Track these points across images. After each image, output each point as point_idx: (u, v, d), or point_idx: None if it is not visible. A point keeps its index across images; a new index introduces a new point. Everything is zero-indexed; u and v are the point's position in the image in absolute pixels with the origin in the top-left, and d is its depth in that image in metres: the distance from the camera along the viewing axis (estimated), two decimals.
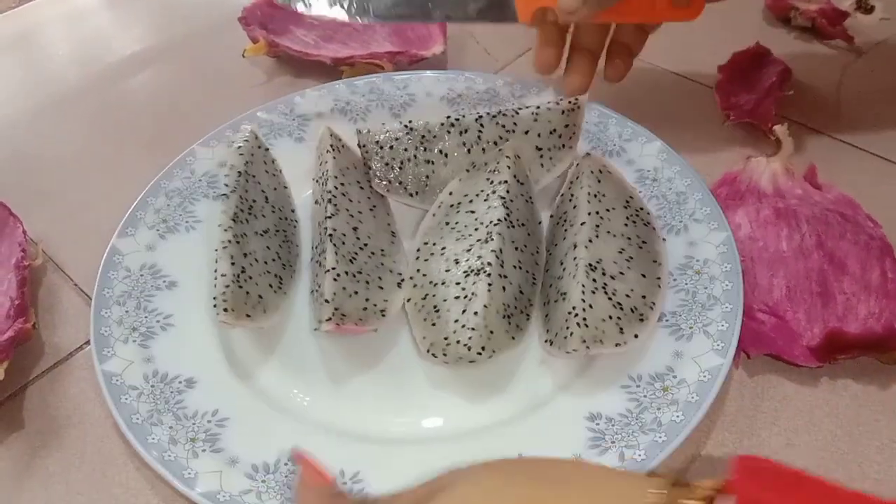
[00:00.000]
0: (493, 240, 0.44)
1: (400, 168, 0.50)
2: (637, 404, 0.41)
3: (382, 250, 0.47)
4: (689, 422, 0.39)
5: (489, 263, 0.43)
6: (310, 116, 0.59)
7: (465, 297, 0.43)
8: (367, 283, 0.44)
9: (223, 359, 0.45)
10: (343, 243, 0.45)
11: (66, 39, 0.77)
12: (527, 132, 0.50)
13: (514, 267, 0.44)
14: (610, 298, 0.42)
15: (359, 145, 0.50)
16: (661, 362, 0.42)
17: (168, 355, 0.45)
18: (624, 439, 0.39)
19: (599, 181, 0.47)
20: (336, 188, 0.48)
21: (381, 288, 0.45)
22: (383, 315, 0.44)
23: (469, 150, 0.50)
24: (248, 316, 0.43)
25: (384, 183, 0.50)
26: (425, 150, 0.50)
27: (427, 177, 0.50)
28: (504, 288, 0.43)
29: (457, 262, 0.45)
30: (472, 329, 0.41)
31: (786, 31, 0.70)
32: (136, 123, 0.64)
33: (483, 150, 0.50)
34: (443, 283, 0.45)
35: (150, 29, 0.77)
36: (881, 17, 0.70)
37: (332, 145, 0.50)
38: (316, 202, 0.50)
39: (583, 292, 0.41)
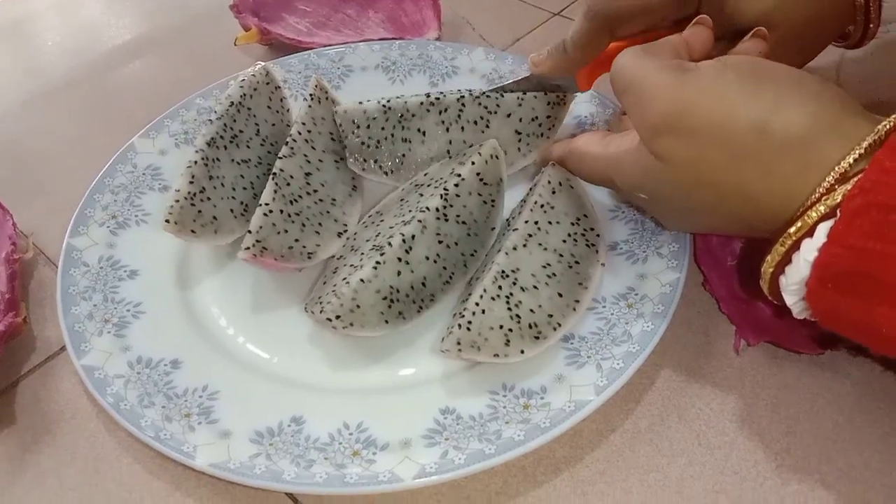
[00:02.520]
0: (409, 224, 0.44)
1: (376, 147, 0.50)
2: (606, 322, 0.43)
3: (333, 200, 0.48)
4: (658, 329, 0.42)
5: (389, 245, 0.43)
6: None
7: (356, 267, 0.43)
8: (304, 225, 0.46)
9: (202, 337, 0.45)
10: (288, 184, 0.47)
11: (56, 29, 0.76)
12: (509, 115, 0.50)
13: (426, 258, 0.44)
14: (510, 309, 0.41)
15: (337, 124, 0.50)
16: (623, 284, 0.45)
17: (146, 341, 0.45)
18: (599, 353, 0.42)
19: (554, 192, 0.47)
20: (299, 133, 0.49)
21: (318, 233, 0.46)
22: (309, 257, 0.45)
23: (448, 129, 0.50)
24: (192, 232, 0.45)
25: (359, 162, 0.50)
26: (403, 128, 0.50)
27: (403, 154, 0.50)
28: (399, 272, 0.43)
29: (378, 234, 0.45)
30: (336, 297, 0.41)
31: None
32: (128, 113, 0.64)
33: (462, 128, 0.50)
34: (356, 250, 0.45)
35: (142, 18, 0.76)
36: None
37: (311, 94, 0.51)
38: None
39: (481, 296, 0.41)
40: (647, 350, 0.41)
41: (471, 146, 0.50)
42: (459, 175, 0.46)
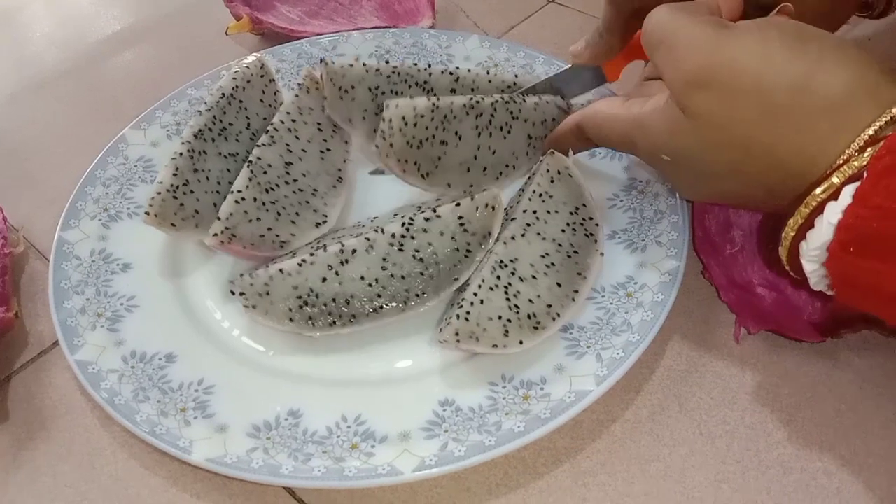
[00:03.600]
0: (356, 237, 0.43)
1: (418, 147, 0.47)
2: (605, 311, 0.43)
3: (315, 190, 0.48)
4: (658, 319, 0.42)
5: (324, 249, 0.43)
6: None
7: (291, 256, 0.44)
8: (279, 214, 0.46)
9: (197, 331, 0.45)
10: (265, 172, 0.46)
11: (44, 19, 0.75)
12: (526, 120, 0.49)
13: (361, 278, 0.42)
14: (508, 299, 0.41)
15: (384, 119, 0.46)
16: (621, 273, 0.45)
17: (140, 336, 0.44)
18: (599, 342, 0.42)
19: (553, 181, 0.46)
20: (282, 122, 0.49)
21: (294, 223, 0.46)
22: (282, 246, 0.45)
23: (479, 134, 0.48)
24: (173, 225, 0.45)
25: (401, 163, 0.46)
26: (444, 129, 0.47)
27: (439, 157, 0.48)
28: (325, 279, 0.42)
29: (339, 236, 0.45)
30: (251, 276, 0.42)
31: None
32: (119, 104, 0.63)
33: (490, 134, 0.48)
34: (317, 241, 0.46)
35: (132, 7, 0.75)
36: None
37: (300, 84, 0.51)
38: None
39: (479, 286, 0.41)
40: (647, 339, 0.41)
41: (493, 153, 0.48)
42: (435, 211, 0.44)
